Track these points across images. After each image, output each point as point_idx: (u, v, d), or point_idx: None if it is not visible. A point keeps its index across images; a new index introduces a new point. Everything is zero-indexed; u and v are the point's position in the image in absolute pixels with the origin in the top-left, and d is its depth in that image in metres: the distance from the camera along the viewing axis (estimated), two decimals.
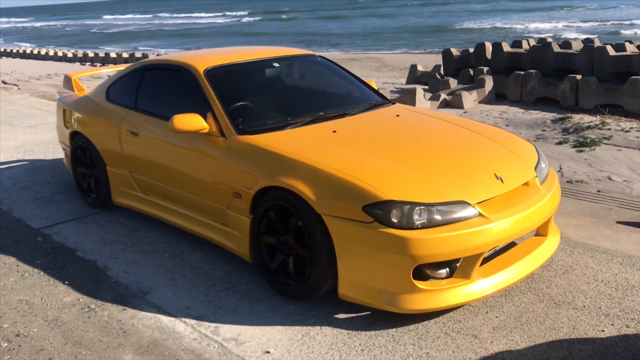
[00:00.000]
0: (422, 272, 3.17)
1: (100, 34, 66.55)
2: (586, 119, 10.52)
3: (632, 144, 9.14)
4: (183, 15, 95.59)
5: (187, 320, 3.42)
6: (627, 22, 38.41)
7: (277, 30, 55.39)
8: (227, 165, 3.82)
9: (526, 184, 3.56)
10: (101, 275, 4.01)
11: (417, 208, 3.10)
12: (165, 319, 3.44)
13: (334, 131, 3.86)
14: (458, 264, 3.22)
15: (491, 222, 3.17)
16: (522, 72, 13.58)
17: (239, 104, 4.17)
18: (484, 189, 3.34)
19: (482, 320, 3.25)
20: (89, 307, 3.62)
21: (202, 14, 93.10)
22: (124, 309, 3.57)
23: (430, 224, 3.10)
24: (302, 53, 5.01)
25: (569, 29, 35.70)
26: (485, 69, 14.29)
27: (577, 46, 14.25)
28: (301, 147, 3.61)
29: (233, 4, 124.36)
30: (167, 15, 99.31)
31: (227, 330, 3.29)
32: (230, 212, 3.88)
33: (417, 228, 3.08)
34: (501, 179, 3.42)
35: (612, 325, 3.13)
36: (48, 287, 3.89)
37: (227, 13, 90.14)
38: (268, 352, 3.08)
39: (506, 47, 14.85)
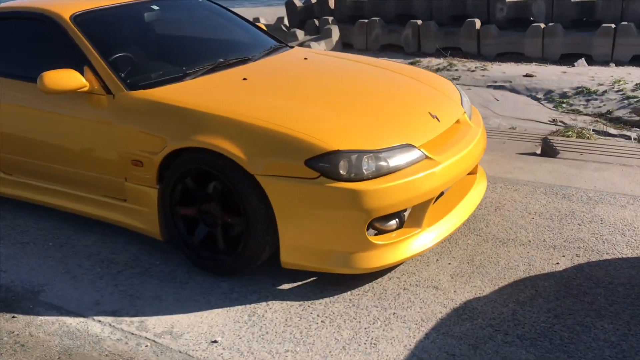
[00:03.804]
0: (372, 226, 2.86)
1: None
2: (434, 61, 10.85)
3: (479, 82, 9.57)
4: None
5: (101, 318, 2.83)
6: None
7: None
8: (120, 129, 3.19)
9: (457, 121, 3.37)
10: None
11: (365, 157, 2.76)
12: (72, 321, 2.81)
13: (244, 79, 3.37)
14: (406, 213, 2.96)
15: (439, 164, 2.93)
16: (366, 20, 13.67)
17: (120, 54, 3.50)
18: (424, 129, 3.09)
19: (436, 270, 3.04)
20: None
21: None
22: (14, 317, 2.87)
23: (380, 173, 2.79)
24: None
25: None
26: (330, 18, 14.19)
27: None
28: (214, 100, 3.10)
29: None
30: None
31: (156, 324, 2.76)
32: (128, 184, 3.27)
33: (368, 179, 2.76)
34: (437, 118, 3.19)
35: (564, 256, 3.07)
36: None
37: None
38: (215, 341, 2.62)
39: None
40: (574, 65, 10.59)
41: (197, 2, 4.33)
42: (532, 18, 12.65)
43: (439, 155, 2.98)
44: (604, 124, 7.56)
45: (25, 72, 3.57)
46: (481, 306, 2.72)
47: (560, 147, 4.48)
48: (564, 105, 8.40)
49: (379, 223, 2.87)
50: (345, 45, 13.72)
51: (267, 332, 2.65)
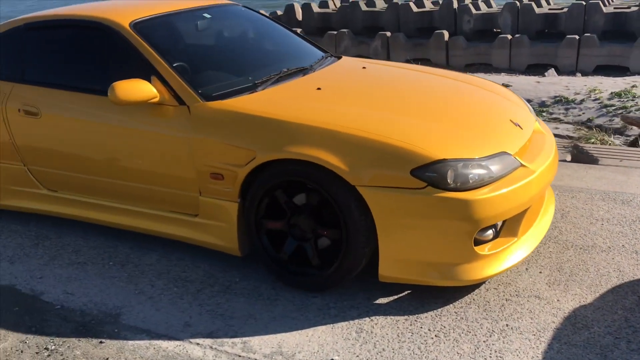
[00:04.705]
0: None
1: None
2: None
3: None
4: None
5: (198, 340, 2.66)
6: None
7: None
8: (197, 141, 3.04)
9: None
10: (35, 303, 2.99)
11: (469, 165, 2.72)
12: (167, 345, 2.64)
13: (319, 88, 3.27)
14: (501, 223, 2.93)
15: (534, 172, 2.92)
16: (335, 32, 13.73)
17: (181, 63, 3.34)
18: (512, 137, 3.07)
19: (530, 279, 3.02)
20: (46, 348, 2.65)
21: None
22: (101, 342, 2.68)
23: (483, 182, 2.74)
24: (221, 2, 4.19)
25: None
26: (298, 30, 14.17)
27: (381, 5, 14.77)
28: (300, 110, 2.99)
29: None
30: None
31: (261, 344, 2.63)
32: (203, 198, 3.11)
33: (473, 188, 2.71)
34: (519, 126, 3.19)
35: None
36: None
37: None
38: None
39: (316, 8, 14.87)
40: (544, 75, 10.90)
41: (240, 10, 4.19)
42: (495, 30, 13.01)
43: (531, 163, 2.97)
44: (585, 132, 7.79)
45: (80, 83, 3.37)
46: (591, 314, 2.71)
47: (596, 154, 4.58)
48: (544, 114, 8.60)
49: (477, 234, 2.83)
50: None
51: (383, 349, 2.56)
